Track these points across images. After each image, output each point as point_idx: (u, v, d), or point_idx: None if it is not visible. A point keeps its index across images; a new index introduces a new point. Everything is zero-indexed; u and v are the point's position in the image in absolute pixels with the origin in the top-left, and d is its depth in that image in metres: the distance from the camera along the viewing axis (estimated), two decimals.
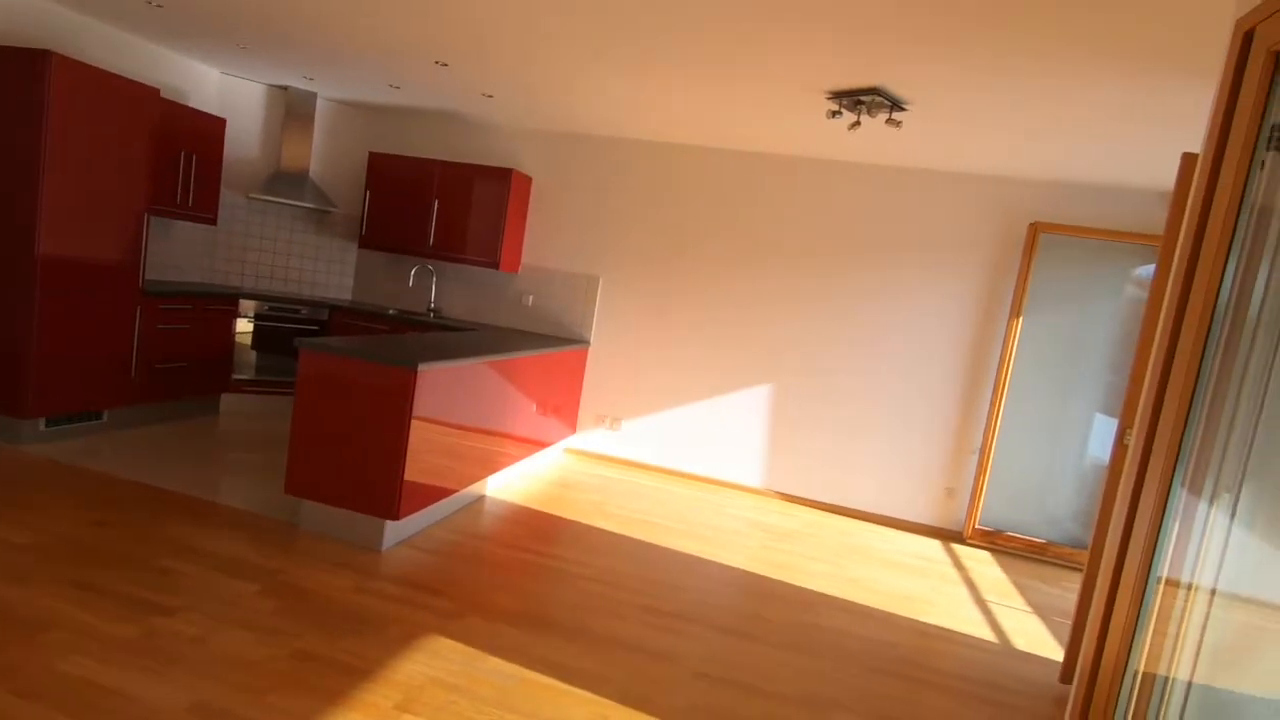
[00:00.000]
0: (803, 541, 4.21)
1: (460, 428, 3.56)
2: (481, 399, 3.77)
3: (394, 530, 3.22)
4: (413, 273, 5.57)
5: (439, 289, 5.70)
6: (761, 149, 4.87)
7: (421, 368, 3.04)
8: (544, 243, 5.43)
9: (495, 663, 2.40)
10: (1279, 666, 1.81)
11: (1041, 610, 3.69)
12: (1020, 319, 4.47)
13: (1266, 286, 1.67)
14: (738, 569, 3.63)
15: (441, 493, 3.48)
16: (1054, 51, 2.58)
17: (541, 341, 4.79)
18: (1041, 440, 4.58)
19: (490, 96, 4.58)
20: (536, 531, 3.74)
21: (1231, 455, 1.72)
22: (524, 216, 5.42)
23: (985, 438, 4.56)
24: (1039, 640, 3.31)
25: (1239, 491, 1.73)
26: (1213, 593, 1.77)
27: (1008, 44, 2.56)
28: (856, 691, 2.60)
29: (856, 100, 3.36)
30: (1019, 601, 3.77)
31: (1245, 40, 1.71)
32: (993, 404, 4.55)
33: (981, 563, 4.31)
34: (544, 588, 3.07)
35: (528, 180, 5.37)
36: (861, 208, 4.79)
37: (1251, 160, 1.67)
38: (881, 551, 4.25)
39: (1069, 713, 2.03)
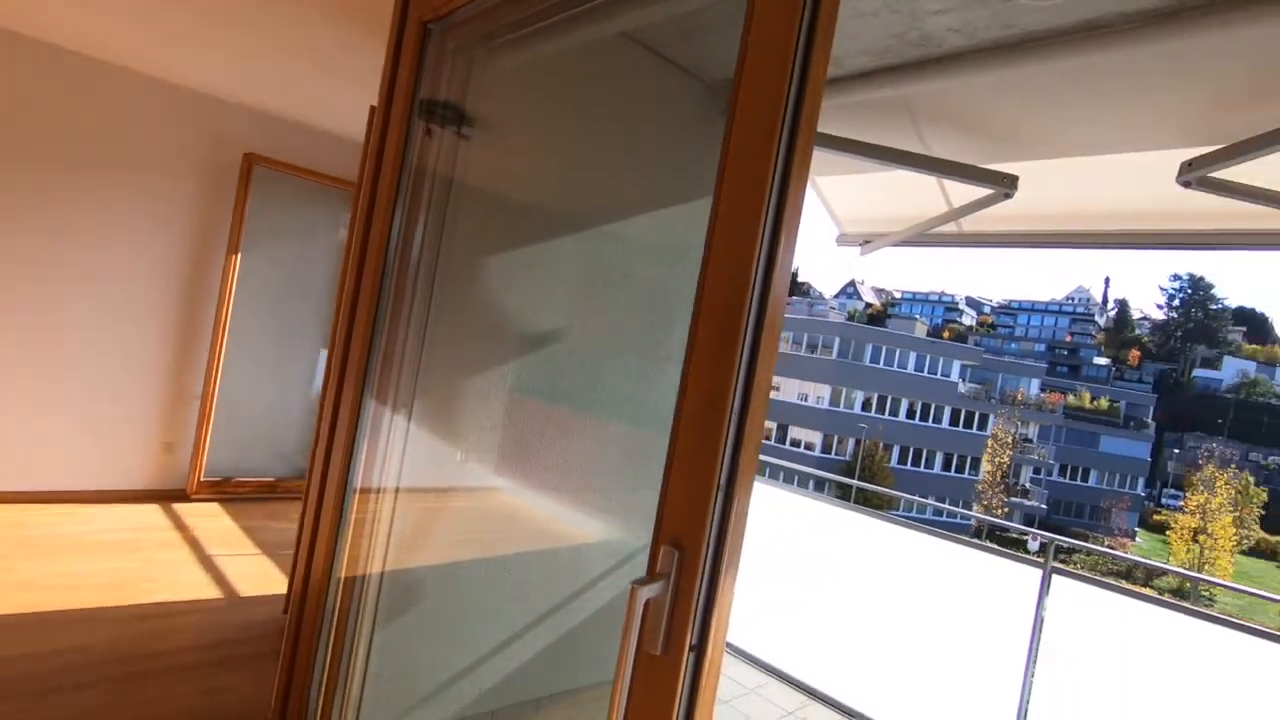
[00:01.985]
0: None
1: None
2: None
3: None
4: None
5: None
6: None
7: None
8: None
9: None
10: (440, 540, 2.28)
11: (270, 549, 3.70)
12: (239, 255, 4.24)
13: (424, 235, 1.98)
14: None
15: None
16: None
17: None
18: (268, 379, 4.55)
19: None
20: None
21: (406, 375, 2.00)
22: None
23: (207, 383, 4.21)
24: (267, 580, 3.31)
25: (412, 405, 2.05)
26: (396, 491, 2.07)
27: None
28: None
29: None
30: (248, 547, 3.68)
31: (403, 6, 1.92)
32: (213, 346, 4.21)
33: (208, 516, 4.01)
34: None
35: None
36: (41, 103, 3.56)
37: (409, 123, 1.91)
38: (77, 536, 3.43)
39: (285, 638, 2.05)
